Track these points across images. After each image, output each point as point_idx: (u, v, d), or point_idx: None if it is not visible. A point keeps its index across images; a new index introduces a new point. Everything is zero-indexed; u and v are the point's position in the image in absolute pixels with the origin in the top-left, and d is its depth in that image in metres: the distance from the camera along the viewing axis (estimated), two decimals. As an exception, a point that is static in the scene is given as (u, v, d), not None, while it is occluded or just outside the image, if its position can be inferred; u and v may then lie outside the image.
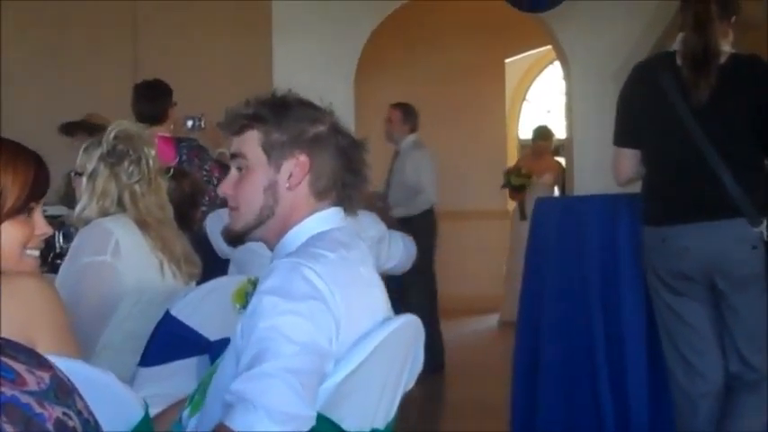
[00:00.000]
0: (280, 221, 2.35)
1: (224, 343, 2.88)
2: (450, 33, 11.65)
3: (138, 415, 1.96)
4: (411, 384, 2.49)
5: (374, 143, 9.48)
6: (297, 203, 2.34)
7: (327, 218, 2.35)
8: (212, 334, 3.10)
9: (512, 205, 10.69)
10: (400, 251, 3.77)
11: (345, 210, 2.38)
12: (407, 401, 2.53)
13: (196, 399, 2.34)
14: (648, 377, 4.52)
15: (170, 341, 3.12)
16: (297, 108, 2.36)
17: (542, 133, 10.70)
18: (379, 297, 2.35)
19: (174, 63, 8.67)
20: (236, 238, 2.41)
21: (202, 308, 3.12)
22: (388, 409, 2.38)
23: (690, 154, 3.89)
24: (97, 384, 1.86)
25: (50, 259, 4.21)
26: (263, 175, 2.34)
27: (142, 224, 3.34)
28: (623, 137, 4.18)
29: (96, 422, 1.25)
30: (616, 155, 4.23)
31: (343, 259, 2.24)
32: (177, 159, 5.89)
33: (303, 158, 2.32)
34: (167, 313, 3.11)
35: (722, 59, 3.90)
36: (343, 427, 2.22)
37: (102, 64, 9.31)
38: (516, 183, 10.37)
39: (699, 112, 3.88)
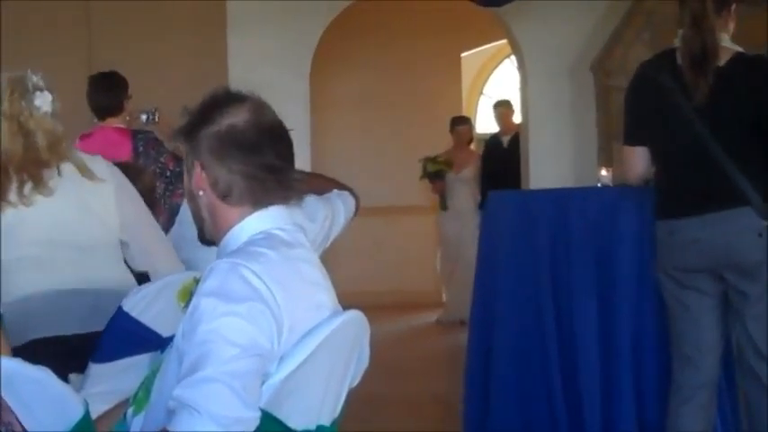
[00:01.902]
0: (211, 225, 2.39)
1: None
2: (405, 28, 11.64)
3: (77, 413, 1.94)
4: (357, 380, 2.49)
5: (329, 137, 9.45)
6: (213, 208, 2.36)
7: (268, 217, 2.34)
8: (165, 330, 3.08)
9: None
10: (343, 213, 3.73)
11: (277, 203, 2.35)
12: (356, 398, 2.54)
13: (139, 397, 2.33)
14: (600, 372, 4.55)
15: (122, 337, 3.08)
16: (204, 114, 2.34)
17: (458, 119, 10.94)
18: (323, 295, 2.34)
19: (128, 60, 8.57)
20: (201, 239, 2.46)
21: (155, 304, 3.10)
22: (333, 406, 2.38)
23: (695, 150, 3.91)
24: (34, 383, 1.85)
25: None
26: (186, 184, 2.40)
27: None
28: (632, 136, 4.18)
29: None
30: (626, 154, 4.23)
31: (284, 258, 2.24)
32: (134, 151, 5.87)
33: (198, 167, 2.33)
34: (120, 309, 3.08)
35: (724, 56, 3.90)
36: (289, 424, 2.22)
37: (58, 61, 9.22)
38: (433, 169, 10.45)
39: (701, 111, 3.89)
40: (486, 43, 12.59)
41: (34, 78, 3.54)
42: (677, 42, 4.01)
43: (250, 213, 2.33)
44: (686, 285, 4.03)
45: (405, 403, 6.53)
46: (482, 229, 5.03)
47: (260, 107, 2.35)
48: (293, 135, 2.41)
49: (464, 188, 10.54)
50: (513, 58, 10.89)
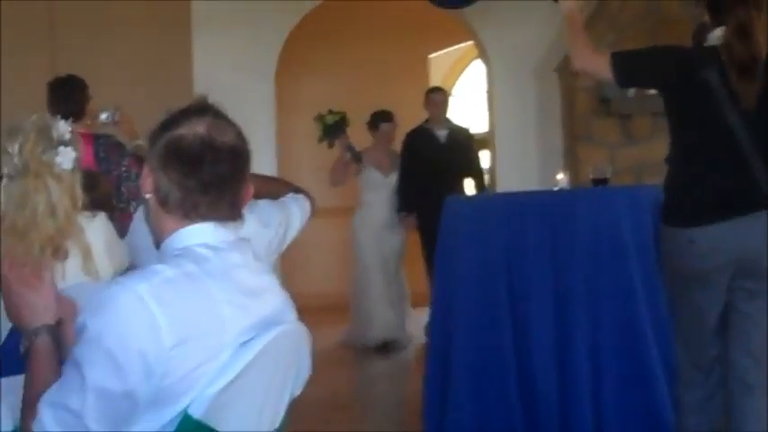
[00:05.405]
0: (154, 230, 2.41)
1: None
2: (372, 30, 11.64)
3: (6, 429, 1.95)
4: (298, 391, 2.49)
5: (296, 141, 9.41)
6: (155, 213, 2.37)
7: (196, 232, 2.33)
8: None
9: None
10: (298, 218, 3.72)
11: (209, 219, 2.34)
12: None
13: None
14: (557, 376, 4.58)
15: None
16: (167, 121, 2.36)
17: (385, 114, 9.46)
18: (236, 310, 2.27)
19: (92, 61, 8.56)
20: (155, 244, 2.44)
21: None
22: (272, 417, 2.39)
23: (726, 151, 3.88)
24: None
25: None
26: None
27: None
28: (631, 76, 4.12)
29: None
30: (605, 63, 4.02)
31: (185, 275, 2.21)
32: (95, 157, 5.83)
33: (146, 170, 2.37)
34: None
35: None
36: (226, 435, 2.22)
37: (20, 61, 9.18)
38: (331, 121, 8.90)
39: (745, 115, 3.86)
40: (454, 44, 12.60)
41: (60, 129, 3.35)
42: (713, 42, 3.96)
43: (184, 226, 2.33)
44: (701, 289, 3.98)
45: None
46: (440, 235, 5.04)
47: (217, 125, 2.33)
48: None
49: (383, 186, 9.18)
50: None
